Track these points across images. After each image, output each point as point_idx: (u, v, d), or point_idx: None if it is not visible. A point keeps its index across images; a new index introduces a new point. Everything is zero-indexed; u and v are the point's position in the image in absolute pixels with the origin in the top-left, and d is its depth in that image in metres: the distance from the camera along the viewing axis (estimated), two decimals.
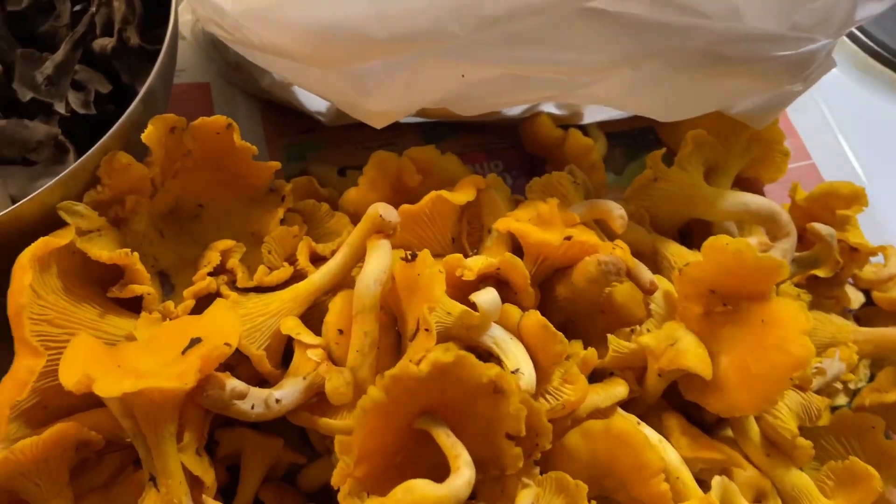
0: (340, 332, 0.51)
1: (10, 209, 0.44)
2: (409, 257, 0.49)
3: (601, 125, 0.74)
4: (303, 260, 0.54)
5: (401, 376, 0.39)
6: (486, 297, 0.48)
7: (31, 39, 0.58)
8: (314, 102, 0.67)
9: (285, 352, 0.53)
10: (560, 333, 0.47)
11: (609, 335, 0.52)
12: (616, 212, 0.55)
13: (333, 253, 0.55)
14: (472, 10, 0.49)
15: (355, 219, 0.59)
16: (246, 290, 0.52)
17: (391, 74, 0.52)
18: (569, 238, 0.50)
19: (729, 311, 0.52)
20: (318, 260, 0.56)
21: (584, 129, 0.71)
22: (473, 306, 0.48)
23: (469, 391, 0.40)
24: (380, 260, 0.50)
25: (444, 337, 0.48)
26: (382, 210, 0.51)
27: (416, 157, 0.61)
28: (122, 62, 0.59)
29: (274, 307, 0.51)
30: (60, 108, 0.54)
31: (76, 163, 0.47)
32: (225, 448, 0.51)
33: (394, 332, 0.53)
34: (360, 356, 0.49)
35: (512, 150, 0.75)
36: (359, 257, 0.53)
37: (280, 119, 0.73)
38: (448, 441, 0.39)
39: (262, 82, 0.65)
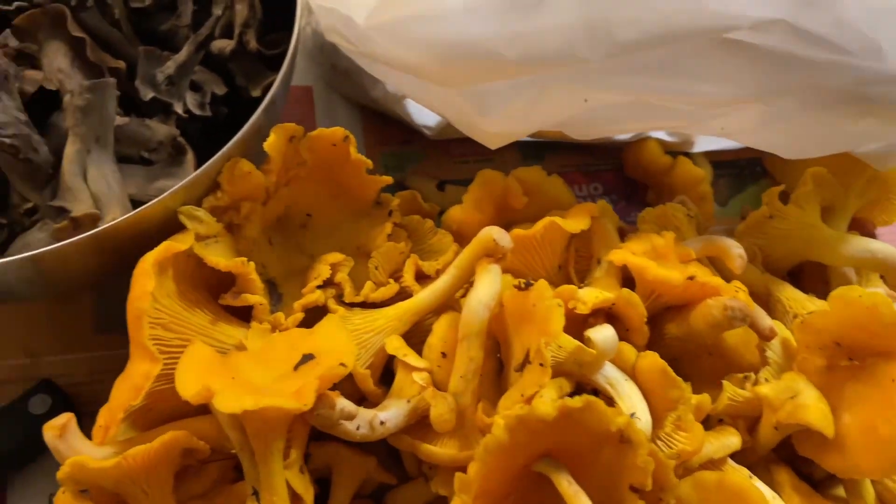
0: (444, 355, 0.50)
1: (136, 212, 0.44)
2: (523, 286, 0.48)
3: (707, 153, 0.72)
4: (409, 278, 0.53)
5: (526, 418, 0.37)
6: (604, 334, 0.46)
7: (150, 37, 0.58)
8: (423, 116, 0.66)
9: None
10: (679, 378, 0.45)
11: (724, 382, 0.49)
12: (735, 251, 0.53)
13: (438, 272, 0.54)
14: (605, 36, 0.47)
15: (458, 236, 0.58)
16: (351, 305, 0.52)
17: (514, 96, 0.51)
18: (692, 278, 0.48)
19: (854, 367, 0.49)
20: (421, 278, 0.55)
21: (691, 157, 0.68)
22: (585, 340, 0.47)
23: (594, 438, 0.38)
24: (490, 285, 0.49)
25: (554, 371, 0.46)
26: (496, 234, 0.49)
27: (522, 177, 0.60)
28: (238, 65, 0.59)
29: (379, 324, 0.50)
30: (179, 108, 0.54)
31: (200, 169, 0.46)
32: (316, 461, 0.50)
33: (495, 358, 0.52)
34: (464, 382, 0.48)
35: (611, 173, 0.73)
36: (466, 279, 0.52)
37: (380, 127, 0.73)
38: (570, 489, 0.37)
39: (372, 92, 0.65)
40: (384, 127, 0.73)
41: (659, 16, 0.47)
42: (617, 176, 0.72)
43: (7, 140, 0.44)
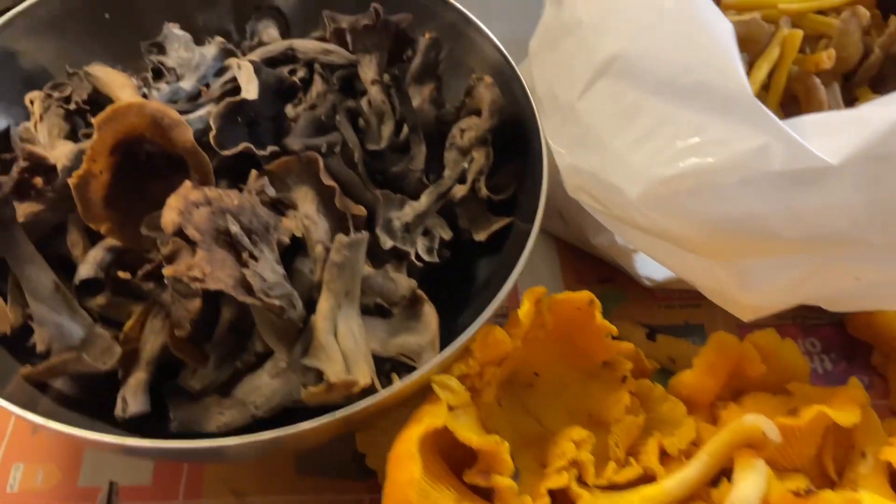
0: None
1: (398, 387, 0.42)
2: (804, 493, 0.43)
3: None
4: (653, 460, 0.49)
5: None
6: None
7: (380, 177, 0.57)
8: (647, 268, 0.63)
9: None
10: None
11: None
12: None
13: (681, 452, 0.50)
14: (892, 218, 0.44)
15: (688, 403, 0.54)
16: (591, 487, 0.48)
17: (781, 272, 0.47)
18: None
19: None
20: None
21: None
22: None
23: None
24: (757, 485, 0.44)
25: None
26: (765, 426, 0.45)
27: (757, 342, 0.55)
28: (464, 208, 0.58)
29: None
30: (411, 255, 0.53)
31: (459, 340, 0.45)
32: None
33: None
34: None
35: (830, 328, 0.67)
36: (719, 468, 0.47)
37: (577, 263, 0.70)
38: None
39: (593, 239, 0.62)
40: (582, 263, 0.70)
41: None
42: (836, 332, 0.67)
43: (276, 302, 0.43)
